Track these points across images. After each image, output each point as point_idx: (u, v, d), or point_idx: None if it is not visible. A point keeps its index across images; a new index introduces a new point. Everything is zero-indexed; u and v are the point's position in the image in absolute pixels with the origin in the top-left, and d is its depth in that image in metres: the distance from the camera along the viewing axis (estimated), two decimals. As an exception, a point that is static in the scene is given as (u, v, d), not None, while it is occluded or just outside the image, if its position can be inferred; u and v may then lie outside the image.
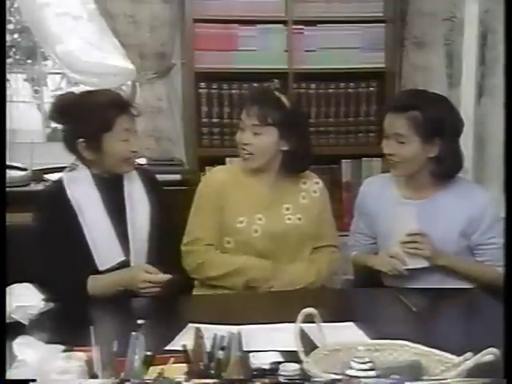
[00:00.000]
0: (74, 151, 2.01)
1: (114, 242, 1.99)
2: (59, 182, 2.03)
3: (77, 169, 2.02)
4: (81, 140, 1.97)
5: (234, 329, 1.52)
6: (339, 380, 1.19)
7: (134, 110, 2.06)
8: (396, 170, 2.18)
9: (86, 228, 1.96)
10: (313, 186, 2.31)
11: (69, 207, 1.96)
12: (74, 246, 1.94)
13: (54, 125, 3.66)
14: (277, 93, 2.26)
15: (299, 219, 2.25)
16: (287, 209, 2.25)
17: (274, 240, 2.21)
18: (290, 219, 2.24)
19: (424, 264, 2.09)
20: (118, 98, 2.05)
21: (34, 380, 1.19)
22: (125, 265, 2.00)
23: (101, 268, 1.97)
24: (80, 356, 1.30)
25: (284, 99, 2.22)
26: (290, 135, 2.19)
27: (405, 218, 2.12)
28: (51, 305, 1.75)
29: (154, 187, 2.16)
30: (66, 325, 1.68)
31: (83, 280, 1.93)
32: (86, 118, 1.96)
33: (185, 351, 1.31)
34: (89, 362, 1.28)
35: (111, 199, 2.02)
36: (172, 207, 2.21)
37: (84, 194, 1.99)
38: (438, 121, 2.09)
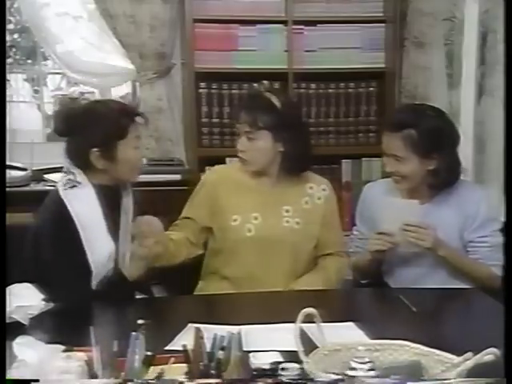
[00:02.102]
0: (85, 162, 1.97)
1: (108, 247, 1.98)
2: (59, 201, 1.95)
3: (78, 186, 1.97)
4: (95, 149, 1.95)
5: (234, 329, 1.52)
6: (339, 380, 1.19)
7: (142, 118, 2.07)
8: (399, 184, 2.20)
9: (89, 247, 1.93)
10: (319, 193, 2.28)
11: (72, 226, 1.91)
12: (76, 257, 1.92)
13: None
14: (267, 94, 2.23)
15: (297, 223, 2.22)
16: (287, 211, 2.23)
17: (268, 242, 2.18)
18: (287, 222, 2.22)
19: (417, 248, 2.10)
20: (127, 106, 2.10)
21: (36, 380, 1.19)
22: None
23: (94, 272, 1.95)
24: (80, 356, 1.30)
25: (274, 100, 2.18)
26: (285, 136, 2.17)
27: (407, 215, 2.11)
28: (51, 305, 1.75)
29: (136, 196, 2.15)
30: (66, 325, 1.68)
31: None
32: (100, 126, 1.96)
33: (185, 351, 1.31)
34: (89, 362, 1.28)
35: (108, 208, 1.99)
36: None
37: (88, 214, 1.94)
38: (434, 135, 2.10)
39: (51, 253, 1.91)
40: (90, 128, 1.96)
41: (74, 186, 1.97)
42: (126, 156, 1.98)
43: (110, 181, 2.02)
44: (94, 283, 1.94)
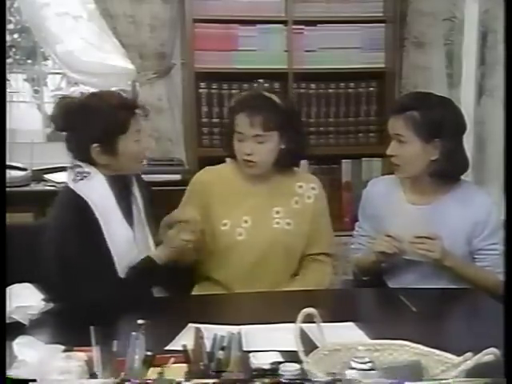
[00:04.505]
0: (86, 157, 1.95)
1: (125, 233, 1.98)
2: (74, 195, 1.93)
3: (89, 177, 1.95)
4: (95, 145, 1.92)
5: (234, 329, 1.52)
6: (339, 380, 1.19)
7: (142, 111, 2.04)
8: (399, 171, 2.17)
9: (108, 235, 1.92)
10: (308, 192, 2.25)
11: (93, 216, 1.91)
12: (100, 254, 1.91)
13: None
14: (267, 94, 2.20)
15: (288, 224, 2.19)
16: (277, 212, 2.20)
17: (259, 245, 2.16)
18: (278, 223, 2.19)
19: (425, 259, 2.09)
20: (127, 99, 2.05)
21: (34, 380, 1.19)
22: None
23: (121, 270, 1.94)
24: (80, 356, 1.30)
25: (276, 99, 2.17)
26: (288, 133, 2.16)
27: (413, 222, 2.08)
28: (51, 305, 1.75)
29: (141, 183, 2.14)
30: (66, 325, 1.68)
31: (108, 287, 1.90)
32: (99, 121, 1.92)
33: (185, 351, 1.31)
34: (89, 362, 1.28)
35: (119, 197, 1.99)
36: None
37: (103, 202, 1.94)
38: (438, 122, 2.08)
39: (76, 247, 1.88)
40: (88, 123, 1.92)
41: (85, 177, 1.96)
42: (127, 150, 1.95)
43: (114, 173, 2.00)
44: (121, 272, 1.93)
